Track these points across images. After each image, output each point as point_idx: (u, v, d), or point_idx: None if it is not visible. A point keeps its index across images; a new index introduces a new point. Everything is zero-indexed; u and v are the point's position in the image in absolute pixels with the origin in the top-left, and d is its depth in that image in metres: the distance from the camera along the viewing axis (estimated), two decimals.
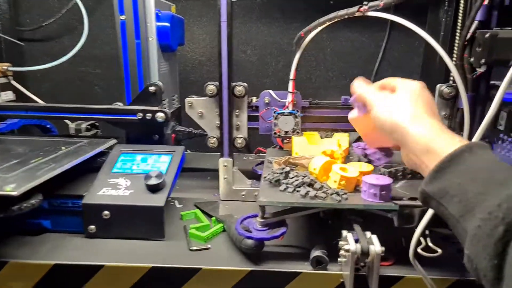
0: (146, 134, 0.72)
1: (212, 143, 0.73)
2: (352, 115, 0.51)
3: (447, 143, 0.37)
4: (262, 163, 0.82)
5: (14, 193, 0.46)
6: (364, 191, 0.50)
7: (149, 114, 0.69)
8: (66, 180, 0.63)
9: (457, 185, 0.33)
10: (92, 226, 0.58)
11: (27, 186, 0.48)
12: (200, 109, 0.73)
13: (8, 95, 0.78)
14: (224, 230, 0.61)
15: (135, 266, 0.52)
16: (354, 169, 0.54)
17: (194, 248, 0.56)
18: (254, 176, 0.77)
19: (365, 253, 0.45)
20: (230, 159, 0.72)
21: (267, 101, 0.73)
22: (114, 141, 0.71)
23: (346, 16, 0.59)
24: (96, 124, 0.87)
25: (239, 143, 0.73)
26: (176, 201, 0.72)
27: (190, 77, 1.07)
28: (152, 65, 0.71)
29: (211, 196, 0.75)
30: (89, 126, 0.87)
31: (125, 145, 0.70)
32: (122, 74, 0.72)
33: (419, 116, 0.41)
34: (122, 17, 0.68)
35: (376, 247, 0.44)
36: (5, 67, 0.77)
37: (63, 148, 0.66)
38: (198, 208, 0.69)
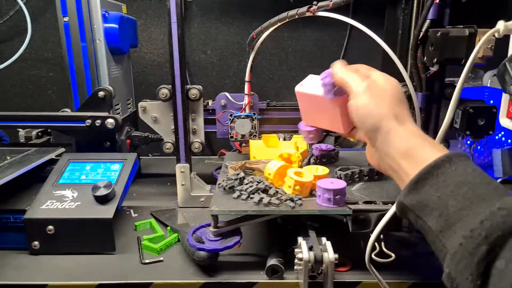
0: (96, 142, 0.68)
1: (167, 149, 0.70)
2: (309, 91, 0.48)
3: (429, 150, 0.35)
4: (220, 167, 0.80)
5: None
6: (319, 196, 0.49)
7: (98, 121, 0.65)
8: (10, 193, 0.59)
9: (437, 198, 0.32)
10: (36, 242, 0.55)
11: None
12: (154, 114, 0.69)
13: None
14: (179, 241, 0.58)
15: (81, 284, 0.49)
16: (310, 173, 0.53)
17: (146, 261, 0.53)
18: (214, 180, 0.74)
19: (318, 261, 0.43)
20: (187, 164, 0.70)
21: (223, 104, 0.71)
22: (62, 149, 0.67)
23: (296, 16, 0.57)
24: (48, 130, 0.82)
25: (196, 148, 0.71)
26: (131, 210, 0.69)
27: (148, 79, 1.03)
28: (101, 68, 0.68)
29: (169, 203, 0.72)
30: (40, 133, 0.82)
31: (74, 154, 0.66)
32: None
33: (404, 116, 0.40)
34: (65, 19, 0.64)
35: (330, 254, 0.43)
36: None
37: (8, 158, 0.61)
38: (153, 217, 0.66)
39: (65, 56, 0.66)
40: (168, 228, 0.61)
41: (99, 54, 0.67)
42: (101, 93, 0.66)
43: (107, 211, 0.55)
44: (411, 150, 0.36)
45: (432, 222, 0.32)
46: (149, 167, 0.93)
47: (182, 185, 0.70)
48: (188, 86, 0.67)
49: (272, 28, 0.61)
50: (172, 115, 0.68)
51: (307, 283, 0.44)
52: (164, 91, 0.67)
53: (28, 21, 0.74)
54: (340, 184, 0.49)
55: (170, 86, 0.66)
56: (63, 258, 0.54)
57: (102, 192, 0.56)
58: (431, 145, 0.36)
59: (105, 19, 0.67)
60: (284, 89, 1.05)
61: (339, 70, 0.45)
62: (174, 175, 0.73)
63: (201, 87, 0.67)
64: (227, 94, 0.70)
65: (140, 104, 0.69)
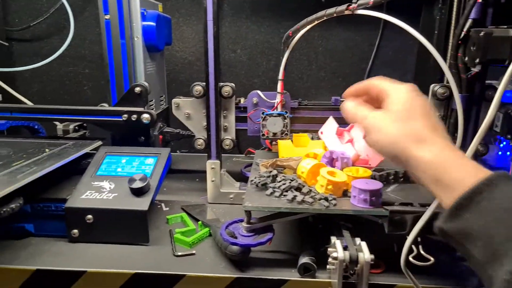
0: (132, 136, 0.70)
1: (199, 145, 0.71)
2: (328, 145, 0.56)
3: (461, 173, 0.32)
4: (251, 165, 0.80)
5: None
6: (354, 196, 0.49)
7: (135, 116, 0.67)
8: (49, 183, 0.61)
9: (481, 227, 0.30)
10: (75, 231, 0.57)
11: (5, 191, 0.46)
12: (187, 110, 0.71)
13: None
14: (210, 235, 0.59)
15: (118, 272, 0.51)
16: (344, 173, 0.53)
17: (179, 253, 0.55)
18: (243, 178, 0.75)
19: (353, 261, 0.43)
20: (218, 161, 0.71)
21: (255, 101, 0.71)
22: (99, 142, 0.69)
23: (335, 15, 0.57)
24: (84, 125, 0.85)
25: (227, 145, 0.71)
26: (162, 204, 0.70)
27: (179, 77, 1.05)
28: (138, 65, 0.69)
29: (198, 199, 0.73)
30: (77, 127, 0.85)
31: (110, 147, 0.68)
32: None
33: (421, 136, 0.35)
34: (107, 17, 0.66)
35: (366, 254, 0.43)
36: None
37: (47, 150, 0.64)
38: (184, 211, 0.67)
39: (105, 52, 0.68)
40: (199, 222, 0.62)
41: (137, 51, 0.69)
42: (137, 89, 0.68)
43: (142, 203, 0.56)
44: (440, 174, 0.33)
45: (476, 251, 0.30)
46: (178, 163, 0.95)
47: (212, 181, 0.71)
48: (221, 84, 0.68)
49: (309, 27, 0.61)
50: (204, 112, 0.69)
51: (341, 283, 0.43)
52: (198, 88, 0.68)
53: (71, 19, 0.76)
54: (376, 185, 0.48)
55: (204, 83, 0.67)
56: (100, 247, 0.56)
57: (138, 184, 0.57)
58: (463, 165, 0.33)
59: (144, 17, 0.69)
60: (312, 89, 1.04)
61: (347, 109, 0.42)
62: (202, 172, 0.74)
63: (233, 85, 0.68)
64: (259, 92, 0.71)
65: (174, 100, 0.71)
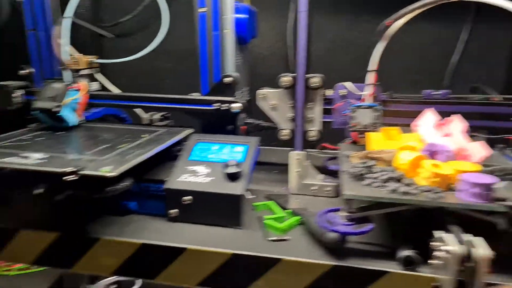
0: (220, 125, 0.73)
1: (284, 135, 0.72)
2: None
3: None
4: (333, 158, 0.80)
5: (112, 174, 0.48)
6: (464, 190, 0.46)
7: (225, 105, 0.70)
8: (148, 166, 0.66)
9: None
10: (174, 210, 0.60)
11: (122, 168, 0.50)
12: (273, 101, 0.72)
13: (95, 86, 0.83)
14: (300, 224, 0.60)
15: (217, 251, 0.53)
16: (449, 166, 0.51)
17: (273, 238, 0.56)
18: (324, 171, 0.75)
19: (468, 257, 0.41)
20: (303, 152, 0.71)
21: (342, 93, 0.71)
22: (190, 130, 0.73)
23: (439, 2, 0.55)
24: (168, 115, 0.90)
25: (312, 136, 0.72)
26: (248, 192, 0.72)
27: (254, 71, 1.07)
28: (228, 56, 0.72)
29: (280, 189, 0.74)
30: (162, 117, 0.91)
31: (201, 134, 0.71)
32: (196, 66, 0.74)
33: None
34: (202, 10, 0.69)
35: (484, 250, 0.41)
36: (91, 59, 0.82)
37: (143, 136, 0.68)
38: (270, 199, 0.68)
39: (197, 44, 0.71)
40: (288, 210, 0.63)
41: (228, 43, 0.71)
42: (227, 79, 0.71)
43: (237, 188, 0.59)
44: None
45: None
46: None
47: (297, 172, 0.72)
48: (309, 75, 0.68)
49: (411, 16, 0.59)
50: (290, 103, 0.70)
51: (456, 280, 0.42)
52: (286, 79, 0.69)
53: (166, 13, 0.81)
54: (490, 179, 0.46)
55: (292, 74, 0.68)
56: (196, 227, 0.59)
57: (233, 169, 0.60)
58: None
59: (236, 9, 0.71)
60: (394, 82, 1.01)
61: None
62: (279, 164, 0.75)
63: (323, 76, 0.68)
64: (346, 84, 0.70)
65: (260, 91, 0.72)
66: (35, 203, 0.56)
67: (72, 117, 0.68)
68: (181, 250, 0.54)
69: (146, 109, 0.82)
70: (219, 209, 0.59)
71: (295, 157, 0.72)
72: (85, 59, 0.82)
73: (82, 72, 0.82)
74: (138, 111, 0.92)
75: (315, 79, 0.68)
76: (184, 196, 0.59)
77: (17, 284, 1.06)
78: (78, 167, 0.48)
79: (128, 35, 1.12)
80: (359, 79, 0.71)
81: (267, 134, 0.77)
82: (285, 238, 0.56)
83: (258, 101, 0.73)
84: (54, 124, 0.69)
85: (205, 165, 0.63)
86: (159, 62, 1.10)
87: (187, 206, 0.60)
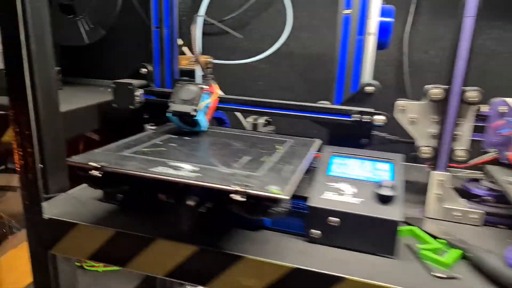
0: (352, 137, 0.67)
1: (425, 153, 0.65)
2: None
3: None
4: (474, 180, 0.71)
5: (285, 196, 0.43)
6: None
7: (367, 116, 0.64)
8: None
9: None
10: (317, 231, 0.55)
11: (290, 189, 0.45)
12: (413, 114, 0.65)
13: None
14: (463, 258, 0.53)
15: (382, 285, 0.47)
16: None
17: (439, 274, 0.49)
18: (463, 194, 0.67)
19: None
20: (447, 173, 0.64)
21: (502, 110, 0.62)
22: (319, 141, 0.68)
23: None
24: (269, 120, 0.86)
25: (460, 156, 0.64)
26: None
27: None
28: (368, 63, 0.66)
29: (412, 212, 0.67)
30: (266, 122, 0.86)
31: (333, 147, 0.65)
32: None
33: None
34: (347, 11, 0.64)
35: None
36: (209, 59, 0.79)
37: (278, 147, 0.63)
38: (411, 225, 0.62)
39: (337, 49, 0.66)
40: (441, 241, 0.56)
41: (370, 48, 0.65)
42: (369, 88, 0.64)
43: (394, 212, 0.52)
44: None
45: None
46: None
47: (437, 194, 0.64)
48: (466, 88, 0.61)
49: None
50: (433, 117, 0.63)
51: None
52: (437, 91, 0.62)
53: (290, 13, 0.76)
54: None
55: (444, 86, 0.61)
56: (342, 252, 0.54)
57: (387, 191, 0.54)
58: None
59: (382, 11, 0.65)
60: None
61: None
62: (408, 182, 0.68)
63: (482, 90, 0.60)
64: (508, 99, 0.62)
65: (399, 103, 0.65)
66: (177, 214, 0.52)
67: (204, 122, 0.65)
68: (339, 279, 0.49)
69: (258, 114, 0.78)
70: (371, 234, 0.53)
71: (437, 178, 0.64)
72: (203, 59, 0.79)
73: (199, 73, 0.79)
74: (239, 115, 0.89)
75: (473, 93, 0.61)
76: (331, 217, 0.54)
77: (104, 281, 1.06)
78: (245, 184, 0.44)
79: (222, 34, 1.09)
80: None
81: (390, 147, 0.70)
82: (454, 276, 0.49)
83: (396, 113, 0.66)
84: (185, 127, 0.66)
85: (348, 183, 0.58)
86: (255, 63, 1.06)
87: (332, 228, 0.54)
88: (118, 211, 0.63)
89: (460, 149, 0.64)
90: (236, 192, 0.43)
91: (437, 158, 0.64)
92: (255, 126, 0.90)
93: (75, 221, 0.60)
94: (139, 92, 0.74)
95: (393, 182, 0.54)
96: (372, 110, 0.64)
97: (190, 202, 0.49)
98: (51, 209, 0.63)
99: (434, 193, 0.65)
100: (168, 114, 0.64)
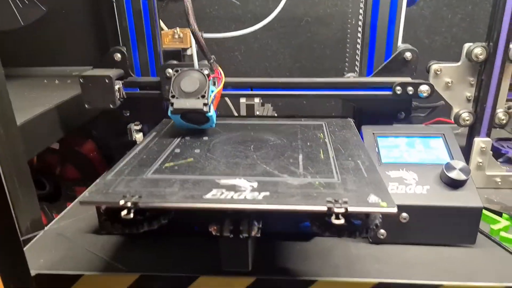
0: (388, 113, 0.59)
1: (465, 120, 0.59)
2: None
3: None
4: (502, 139, 0.68)
5: (395, 210, 0.34)
6: None
7: (410, 88, 0.55)
8: None
9: None
10: (383, 231, 0.48)
11: (393, 199, 0.35)
12: (449, 78, 0.58)
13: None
14: None
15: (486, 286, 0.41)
16: None
17: None
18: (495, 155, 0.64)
19: None
20: (489, 139, 0.59)
21: None
22: (350, 120, 0.58)
23: None
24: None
25: (502, 120, 0.59)
26: None
27: None
28: (400, 26, 0.56)
29: None
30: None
31: (373, 126, 0.56)
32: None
33: None
34: None
35: None
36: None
37: (319, 134, 0.53)
38: None
39: (368, 10, 0.55)
40: (505, 215, 0.52)
41: (402, 9, 0.55)
42: (407, 54, 0.55)
43: (473, 198, 0.46)
44: None
45: None
46: None
47: (479, 163, 0.60)
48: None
49: None
50: (471, 80, 0.57)
51: None
52: (479, 50, 0.55)
53: None
54: None
55: (484, 43, 0.54)
56: (415, 250, 0.47)
57: (461, 175, 0.47)
58: None
59: None
60: None
61: None
62: None
63: None
64: None
65: (434, 67, 0.58)
66: (225, 244, 0.41)
67: (215, 116, 0.51)
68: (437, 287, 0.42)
69: (274, 97, 0.65)
70: (449, 225, 0.47)
71: (479, 145, 0.59)
72: (189, 34, 0.63)
73: (189, 52, 0.64)
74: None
75: None
76: (401, 212, 0.46)
77: None
78: (343, 201, 0.34)
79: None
80: None
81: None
82: None
83: (431, 78, 0.59)
84: (189, 126, 0.52)
85: (407, 169, 0.50)
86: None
87: (402, 225, 0.47)
88: (129, 247, 0.49)
89: (502, 112, 0.59)
90: (335, 213, 0.33)
91: (479, 123, 0.59)
92: (250, 108, 0.78)
93: (77, 272, 0.45)
94: (118, 86, 0.57)
95: (463, 163, 0.48)
96: (417, 80, 0.56)
97: (254, 233, 0.37)
98: (35, 258, 0.47)
99: (477, 162, 0.60)
100: (171, 114, 0.49)
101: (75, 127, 0.64)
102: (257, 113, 0.73)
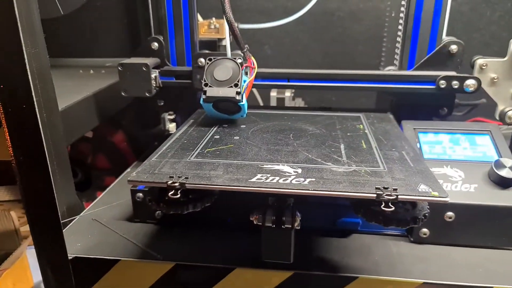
0: (429, 108, 0.57)
1: (511, 118, 0.57)
2: None
3: None
4: None
5: (448, 199, 0.32)
6: None
7: (456, 82, 0.53)
8: None
9: None
10: (425, 229, 0.46)
11: (444, 188, 0.34)
12: (494, 74, 0.56)
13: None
14: None
15: None
16: None
17: None
18: None
19: None
20: None
21: None
22: (390, 114, 0.57)
23: None
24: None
25: None
26: None
27: None
28: (444, 18, 0.54)
29: None
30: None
31: (414, 122, 0.55)
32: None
33: None
34: None
35: None
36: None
37: (358, 125, 0.51)
38: None
39: (412, 1, 0.53)
40: None
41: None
42: (453, 47, 0.53)
43: None
44: None
45: None
46: None
47: None
48: None
49: None
50: None
51: None
52: None
53: None
54: None
55: None
56: (461, 252, 0.45)
57: (511, 174, 0.45)
58: None
59: None
60: None
61: None
62: None
63: None
64: None
65: (480, 61, 0.56)
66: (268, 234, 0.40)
67: (246, 106, 0.51)
68: None
69: (308, 89, 0.63)
70: (497, 226, 0.44)
71: None
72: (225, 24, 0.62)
73: (223, 43, 0.63)
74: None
75: None
76: (446, 212, 0.44)
77: None
78: (391, 188, 0.32)
79: None
80: None
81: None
82: None
83: (476, 72, 0.56)
84: (220, 116, 0.51)
85: (452, 166, 0.48)
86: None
87: (447, 224, 0.45)
88: (163, 236, 0.49)
89: None
90: (385, 200, 0.32)
91: None
92: (281, 102, 0.77)
93: (113, 257, 0.45)
94: (154, 74, 0.57)
95: None
96: (462, 74, 0.53)
97: (297, 224, 0.36)
98: (71, 242, 0.47)
99: None
100: (204, 102, 0.49)
101: (109, 116, 0.65)
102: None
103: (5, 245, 0.88)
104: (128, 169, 0.66)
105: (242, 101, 0.49)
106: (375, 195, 0.32)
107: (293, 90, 0.78)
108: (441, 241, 0.46)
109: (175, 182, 0.33)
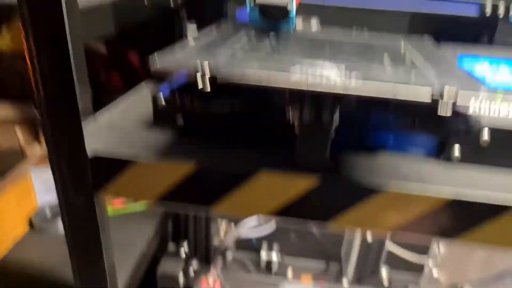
0: (469, 33, 0.54)
1: None
2: None
3: None
4: None
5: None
6: None
7: (502, 9, 0.49)
8: None
9: None
10: (458, 148, 0.44)
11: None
12: None
13: None
14: None
15: None
16: None
17: None
18: None
19: None
20: None
21: None
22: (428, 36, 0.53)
23: None
24: None
25: None
26: None
27: None
28: None
29: None
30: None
31: (452, 44, 0.51)
32: None
33: None
34: None
35: None
36: None
37: (398, 44, 0.48)
38: None
39: None
40: None
41: None
42: None
43: None
44: None
45: None
46: None
47: None
48: None
49: None
50: None
51: None
52: None
53: None
54: None
55: None
56: (487, 170, 0.44)
57: None
58: None
59: None
60: None
61: None
62: None
63: None
64: None
65: None
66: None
67: (294, 19, 0.47)
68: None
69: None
70: None
71: None
72: None
73: None
74: None
75: None
76: (482, 132, 0.43)
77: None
78: (448, 86, 0.30)
79: None
80: None
81: None
82: None
83: None
84: (265, 27, 0.48)
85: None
86: None
87: (478, 145, 0.43)
88: (183, 139, 0.47)
89: None
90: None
91: None
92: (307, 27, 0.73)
93: (132, 158, 0.43)
94: None
95: None
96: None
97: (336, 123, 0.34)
98: (90, 142, 0.46)
99: None
100: (251, 8, 0.45)
101: (130, 27, 0.61)
102: None
103: (10, 163, 0.87)
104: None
105: (292, 12, 0.46)
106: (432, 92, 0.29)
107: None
108: (470, 160, 0.44)
109: (207, 71, 0.30)
